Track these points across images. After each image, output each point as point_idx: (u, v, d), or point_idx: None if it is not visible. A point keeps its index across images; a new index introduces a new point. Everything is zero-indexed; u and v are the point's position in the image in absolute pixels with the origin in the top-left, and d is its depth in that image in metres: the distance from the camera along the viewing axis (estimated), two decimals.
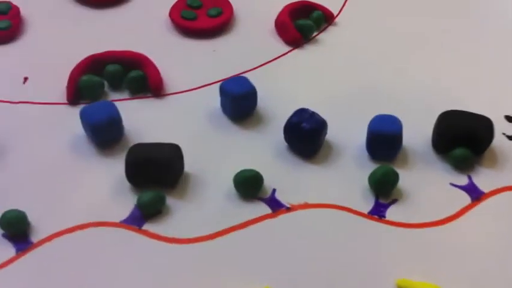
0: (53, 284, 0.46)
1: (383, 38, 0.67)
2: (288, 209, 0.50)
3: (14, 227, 0.47)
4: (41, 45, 0.65)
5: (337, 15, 0.70)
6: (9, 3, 0.68)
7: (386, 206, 0.51)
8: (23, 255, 0.47)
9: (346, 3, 0.71)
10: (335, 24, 0.69)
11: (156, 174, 0.50)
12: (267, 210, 0.50)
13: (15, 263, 0.47)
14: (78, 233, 0.48)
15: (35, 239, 0.48)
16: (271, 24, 0.68)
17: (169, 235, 0.48)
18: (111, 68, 0.60)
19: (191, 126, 0.57)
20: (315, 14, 0.68)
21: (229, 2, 0.69)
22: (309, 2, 0.70)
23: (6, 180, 0.52)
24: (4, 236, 0.48)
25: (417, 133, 0.56)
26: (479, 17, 0.70)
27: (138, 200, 0.49)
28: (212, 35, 0.67)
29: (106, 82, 0.60)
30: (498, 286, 0.46)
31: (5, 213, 0.47)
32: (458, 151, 0.54)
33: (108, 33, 0.66)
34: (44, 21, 0.68)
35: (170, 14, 0.68)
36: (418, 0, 0.72)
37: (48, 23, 0.68)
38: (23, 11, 0.68)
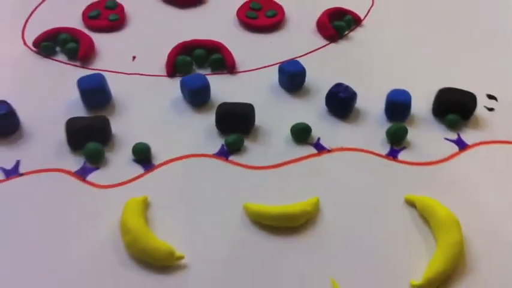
0: (169, 193, 0.62)
1: (398, 35, 0.81)
2: (329, 151, 0.66)
3: (141, 154, 0.64)
4: (142, 33, 0.82)
5: (363, 19, 0.84)
6: (115, 1, 0.85)
7: (398, 151, 0.66)
8: (148, 173, 0.64)
9: (371, 11, 0.86)
10: (362, 26, 0.83)
11: (238, 124, 0.66)
12: (313, 151, 0.66)
13: (143, 178, 0.63)
14: (186, 160, 0.65)
15: (156, 162, 0.65)
16: (314, 24, 0.82)
17: (247, 164, 0.65)
18: (198, 51, 0.76)
19: (257, 94, 0.72)
20: (347, 17, 0.82)
21: (282, 7, 0.85)
22: (342, 8, 0.83)
23: (132, 126, 0.68)
24: (135, 160, 0.65)
25: (422, 103, 0.70)
26: (478, 23, 0.84)
27: (226, 140, 0.66)
28: (269, 31, 0.82)
29: (194, 62, 0.77)
30: (478, 200, 0.62)
31: (136, 145, 0.65)
32: (451, 116, 0.67)
33: (190, 26, 0.82)
34: (142, 16, 0.84)
35: (237, 14, 0.84)
36: (424, 8, 0.86)
37: (145, 17, 0.84)
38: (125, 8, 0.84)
